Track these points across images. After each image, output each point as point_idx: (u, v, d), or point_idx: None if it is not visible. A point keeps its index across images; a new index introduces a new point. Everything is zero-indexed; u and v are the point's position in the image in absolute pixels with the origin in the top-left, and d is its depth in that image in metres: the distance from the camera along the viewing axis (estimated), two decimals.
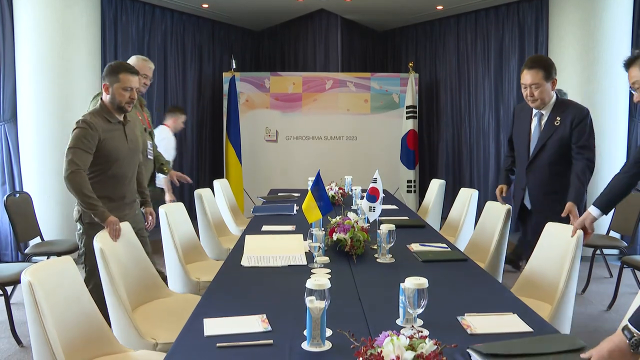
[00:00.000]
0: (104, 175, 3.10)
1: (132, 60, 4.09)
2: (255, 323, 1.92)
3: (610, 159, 5.82)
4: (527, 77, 3.39)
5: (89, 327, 2.23)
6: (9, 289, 3.71)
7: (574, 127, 3.36)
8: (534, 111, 3.52)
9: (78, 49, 5.61)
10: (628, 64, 2.41)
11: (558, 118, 3.41)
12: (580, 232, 2.73)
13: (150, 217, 3.51)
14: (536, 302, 2.74)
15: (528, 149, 3.55)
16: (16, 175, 5.51)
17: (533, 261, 2.96)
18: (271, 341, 1.76)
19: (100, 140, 3.01)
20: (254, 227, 3.75)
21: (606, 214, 2.96)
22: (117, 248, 2.76)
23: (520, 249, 5.05)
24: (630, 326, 1.48)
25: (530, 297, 2.77)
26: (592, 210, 2.91)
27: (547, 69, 3.39)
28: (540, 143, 3.46)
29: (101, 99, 3.17)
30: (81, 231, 3.14)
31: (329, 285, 1.72)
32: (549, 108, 3.46)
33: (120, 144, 3.13)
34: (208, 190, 4.71)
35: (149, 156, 4.24)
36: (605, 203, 2.94)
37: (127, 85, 3.09)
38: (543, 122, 3.48)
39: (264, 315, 1.98)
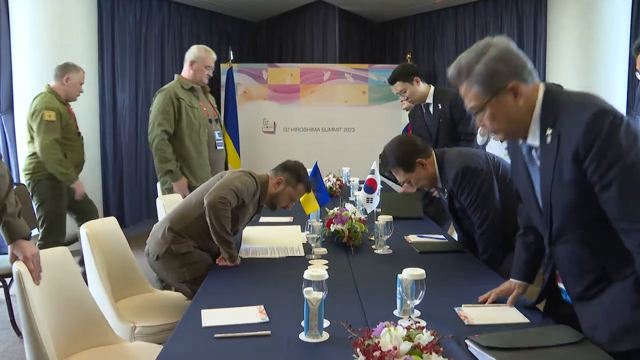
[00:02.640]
0: None
1: (194, 51, 4.13)
2: (253, 314, 1.92)
3: None
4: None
5: (85, 318, 2.23)
6: (8, 280, 3.71)
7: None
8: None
9: (75, 40, 5.58)
10: (638, 49, 2.39)
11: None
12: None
13: None
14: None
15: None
16: (13, 166, 5.49)
17: None
18: (269, 332, 1.76)
19: None
20: None
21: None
22: (101, 236, 2.73)
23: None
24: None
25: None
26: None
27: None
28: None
29: None
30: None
31: (326, 276, 1.72)
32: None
33: None
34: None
35: (218, 147, 4.23)
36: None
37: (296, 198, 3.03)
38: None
39: (262, 306, 1.98)
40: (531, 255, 2.05)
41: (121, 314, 2.58)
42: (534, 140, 1.69)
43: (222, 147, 4.35)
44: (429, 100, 3.92)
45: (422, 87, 3.91)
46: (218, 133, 4.28)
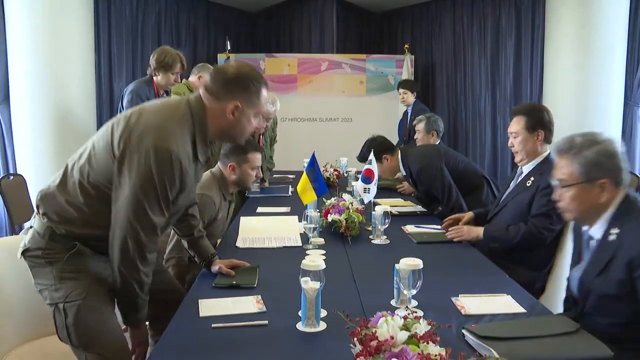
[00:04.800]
0: None
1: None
2: (250, 304, 1.93)
3: None
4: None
5: (39, 306, 2.08)
6: None
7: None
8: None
9: (71, 30, 5.53)
10: None
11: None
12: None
13: None
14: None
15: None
16: (10, 157, 5.47)
17: None
18: (266, 322, 1.77)
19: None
20: (248, 209, 3.75)
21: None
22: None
23: None
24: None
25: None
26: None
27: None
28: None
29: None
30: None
31: (323, 266, 1.73)
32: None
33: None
34: None
35: None
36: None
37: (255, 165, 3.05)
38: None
39: (259, 296, 1.99)
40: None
41: None
42: (596, 233, 1.87)
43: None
44: (403, 172, 3.96)
45: (391, 161, 3.92)
46: None
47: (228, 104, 1.93)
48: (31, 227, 2.02)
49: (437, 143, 4.55)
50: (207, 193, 2.81)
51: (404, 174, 3.93)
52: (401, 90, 6.00)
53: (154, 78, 4.15)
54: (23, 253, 1.97)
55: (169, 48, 4.20)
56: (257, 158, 3.04)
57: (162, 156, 1.79)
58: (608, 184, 1.81)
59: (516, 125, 2.85)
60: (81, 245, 1.93)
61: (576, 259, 2.01)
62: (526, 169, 2.88)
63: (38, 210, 1.98)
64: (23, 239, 2.02)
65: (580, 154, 1.84)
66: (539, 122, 2.82)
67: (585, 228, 1.94)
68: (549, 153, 2.80)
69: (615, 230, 1.78)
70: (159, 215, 1.86)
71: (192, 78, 4.84)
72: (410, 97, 5.95)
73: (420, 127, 4.61)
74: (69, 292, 1.89)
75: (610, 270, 1.75)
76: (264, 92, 2.01)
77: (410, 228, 3.12)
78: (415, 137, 4.72)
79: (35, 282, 1.97)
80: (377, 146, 3.78)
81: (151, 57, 4.17)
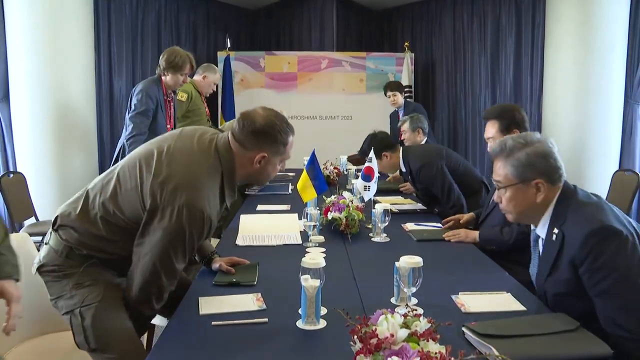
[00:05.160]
0: None
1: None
2: (250, 302, 1.93)
3: (604, 141, 5.82)
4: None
5: (40, 303, 2.12)
6: None
7: None
8: None
9: (70, 28, 5.52)
10: None
11: None
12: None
13: None
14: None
15: None
16: (10, 155, 5.47)
17: None
18: (266, 319, 1.77)
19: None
20: (248, 207, 3.75)
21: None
22: None
23: None
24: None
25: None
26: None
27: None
28: None
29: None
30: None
31: (323, 264, 1.73)
32: None
33: None
34: None
35: None
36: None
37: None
38: None
39: (259, 294, 1.99)
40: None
41: None
42: (541, 232, 1.92)
43: None
44: (401, 166, 4.00)
45: (392, 158, 3.94)
46: None
47: (256, 154, 1.98)
48: (46, 243, 2.02)
49: (423, 141, 4.64)
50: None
51: (404, 170, 3.93)
52: (390, 93, 5.99)
53: (163, 78, 4.15)
54: (38, 269, 1.98)
55: (178, 49, 4.21)
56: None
57: (195, 215, 1.83)
58: (543, 184, 1.84)
59: (491, 130, 2.87)
60: (98, 260, 1.97)
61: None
62: None
63: (55, 230, 1.99)
64: (37, 254, 2.03)
65: (512, 156, 1.88)
66: (512, 122, 2.82)
67: (532, 227, 1.97)
68: None
69: (556, 230, 1.82)
70: (182, 262, 1.92)
71: (197, 77, 4.92)
72: (400, 98, 5.99)
73: (405, 127, 4.70)
74: (85, 296, 1.91)
75: (558, 270, 1.80)
76: (291, 140, 2.07)
77: (410, 226, 3.12)
78: (402, 139, 4.74)
79: (50, 294, 1.98)
80: (377, 143, 3.82)
81: (161, 57, 4.18)
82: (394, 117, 6.20)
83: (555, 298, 1.85)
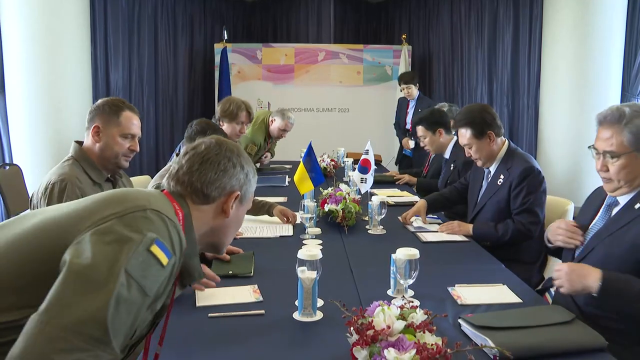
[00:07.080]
0: None
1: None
2: (247, 293, 1.93)
3: None
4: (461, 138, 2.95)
5: None
6: None
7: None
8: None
9: (67, 20, 5.50)
10: None
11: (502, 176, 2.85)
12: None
13: None
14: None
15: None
16: (5, 147, 5.45)
17: None
18: (263, 311, 1.77)
19: None
20: None
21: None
22: None
23: None
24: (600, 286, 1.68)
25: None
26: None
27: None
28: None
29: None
30: None
31: (320, 255, 1.73)
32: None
33: None
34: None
35: None
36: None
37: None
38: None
39: (256, 286, 1.99)
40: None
41: None
42: (623, 200, 1.90)
43: None
44: (446, 155, 3.87)
45: (444, 138, 3.85)
46: None
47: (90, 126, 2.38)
48: None
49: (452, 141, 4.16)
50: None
51: (446, 158, 3.85)
52: (404, 85, 5.84)
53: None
54: None
55: (234, 97, 4.09)
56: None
57: None
58: None
59: (465, 138, 2.86)
60: None
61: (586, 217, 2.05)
62: (492, 168, 2.91)
63: None
64: None
65: (631, 123, 1.79)
66: (484, 125, 2.79)
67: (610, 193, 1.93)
68: (508, 144, 2.88)
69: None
70: None
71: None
72: (414, 91, 5.83)
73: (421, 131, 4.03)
74: None
75: (624, 235, 1.80)
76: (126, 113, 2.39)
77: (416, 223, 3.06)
78: (423, 146, 4.12)
79: None
80: (439, 117, 3.84)
81: (216, 106, 4.09)
82: (402, 102, 6.15)
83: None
